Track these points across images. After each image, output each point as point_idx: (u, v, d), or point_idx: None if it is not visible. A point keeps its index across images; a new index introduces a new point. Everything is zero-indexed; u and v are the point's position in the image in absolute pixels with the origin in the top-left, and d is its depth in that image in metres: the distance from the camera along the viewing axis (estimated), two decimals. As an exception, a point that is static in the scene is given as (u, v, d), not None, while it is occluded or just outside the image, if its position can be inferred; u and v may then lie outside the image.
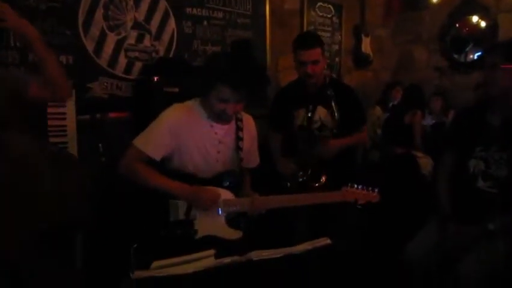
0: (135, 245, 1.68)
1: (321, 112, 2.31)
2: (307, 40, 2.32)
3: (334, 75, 4.32)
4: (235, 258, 1.15)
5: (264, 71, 1.90)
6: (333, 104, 2.22)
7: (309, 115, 2.25)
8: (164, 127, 1.75)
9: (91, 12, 2.63)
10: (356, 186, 1.86)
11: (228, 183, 1.81)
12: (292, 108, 2.38)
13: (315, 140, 2.24)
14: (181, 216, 1.74)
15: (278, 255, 1.16)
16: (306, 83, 2.30)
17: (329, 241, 1.25)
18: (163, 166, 1.80)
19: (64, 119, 2.33)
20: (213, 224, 1.75)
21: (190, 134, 1.77)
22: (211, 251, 1.22)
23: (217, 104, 1.71)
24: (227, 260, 1.14)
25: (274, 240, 1.40)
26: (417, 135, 3.89)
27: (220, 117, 1.77)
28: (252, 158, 2.02)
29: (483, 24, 4.45)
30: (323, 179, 2.21)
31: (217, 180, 1.81)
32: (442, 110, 4.23)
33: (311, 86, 2.30)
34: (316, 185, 2.19)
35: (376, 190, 1.86)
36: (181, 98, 1.95)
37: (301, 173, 2.24)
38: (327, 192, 1.88)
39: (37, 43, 1.52)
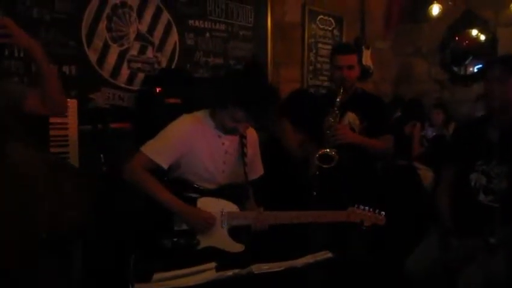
0: (134, 256, 1.69)
1: (350, 117, 2.37)
2: (345, 47, 2.58)
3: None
4: (236, 271, 1.15)
5: (277, 95, 1.93)
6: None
7: (336, 112, 2.26)
8: (174, 136, 1.78)
9: (94, 23, 2.66)
10: (362, 207, 1.86)
11: (232, 195, 1.83)
12: (324, 114, 2.40)
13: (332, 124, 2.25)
14: (185, 226, 1.75)
15: (279, 269, 1.16)
16: (337, 86, 2.37)
17: (330, 254, 1.25)
18: (169, 174, 1.82)
19: (66, 129, 2.34)
20: (215, 235, 1.76)
21: (199, 144, 1.80)
22: (212, 264, 1.22)
23: (230, 123, 1.75)
24: (228, 273, 1.14)
25: (276, 253, 1.40)
26: (415, 146, 3.93)
27: (229, 132, 1.82)
28: (256, 167, 2.04)
29: (482, 37, 4.49)
30: (333, 161, 2.18)
31: (222, 191, 1.83)
32: (443, 122, 4.25)
33: (343, 89, 2.33)
34: (325, 166, 2.19)
35: (383, 213, 1.86)
36: (183, 109, 1.97)
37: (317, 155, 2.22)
38: (332, 211, 1.88)
39: (41, 61, 1.52)
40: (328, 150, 2.19)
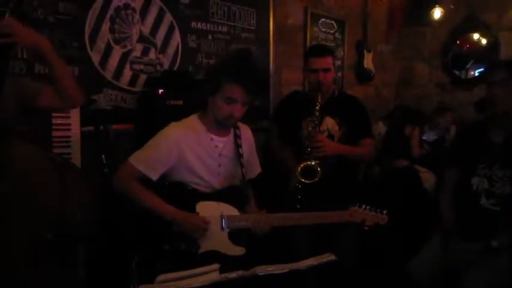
0: (136, 258, 1.69)
1: (329, 122, 2.32)
2: (320, 49, 2.43)
3: (344, 91, 4.35)
4: (241, 272, 1.15)
5: (265, 73, 1.92)
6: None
7: (316, 117, 2.21)
8: (163, 146, 1.74)
9: (97, 25, 2.65)
10: (364, 206, 1.85)
11: (232, 198, 1.81)
12: (300, 117, 2.36)
13: (312, 135, 2.19)
14: None
15: (283, 271, 1.16)
16: (314, 90, 2.29)
17: (333, 257, 1.25)
18: (167, 178, 1.80)
19: (69, 129, 2.34)
20: (216, 239, 1.74)
21: (190, 150, 1.77)
22: (216, 266, 1.22)
23: (224, 107, 1.71)
24: (232, 274, 1.14)
25: (276, 255, 1.40)
26: (415, 148, 3.95)
27: (224, 124, 1.78)
28: (253, 166, 2.02)
29: (484, 41, 4.50)
30: (316, 176, 2.12)
31: (221, 195, 1.81)
32: (445, 126, 4.27)
33: (320, 93, 2.27)
34: (307, 182, 2.13)
35: (385, 212, 1.85)
36: (184, 110, 1.96)
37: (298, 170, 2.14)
38: (333, 212, 1.87)
39: (49, 55, 1.51)
40: (311, 163, 2.12)
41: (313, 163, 2.12)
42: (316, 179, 2.12)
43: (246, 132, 1.96)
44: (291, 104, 2.57)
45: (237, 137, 1.89)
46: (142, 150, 1.76)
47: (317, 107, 2.20)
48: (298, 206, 2.15)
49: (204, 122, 1.81)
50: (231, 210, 1.80)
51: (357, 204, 1.86)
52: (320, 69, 2.25)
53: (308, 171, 2.14)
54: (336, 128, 2.32)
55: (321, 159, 2.14)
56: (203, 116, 1.82)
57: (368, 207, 1.85)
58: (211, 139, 1.82)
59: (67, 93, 1.57)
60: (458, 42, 4.69)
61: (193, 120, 1.84)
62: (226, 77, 1.68)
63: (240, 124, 1.93)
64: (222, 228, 1.77)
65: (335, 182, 2.23)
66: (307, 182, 2.12)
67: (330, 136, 2.32)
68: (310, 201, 2.13)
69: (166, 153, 1.74)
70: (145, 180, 1.74)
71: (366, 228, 1.83)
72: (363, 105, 2.48)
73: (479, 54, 4.56)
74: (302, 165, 2.14)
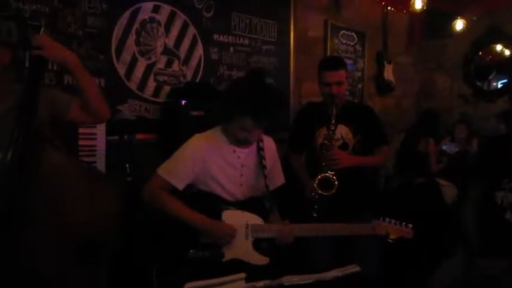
0: (156, 266, 1.71)
1: (342, 130, 2.33)
2: (333, 62, 2.42)
3: (356, 101, 4.34)
4: (267, 282, 1.16)
5: (281, 98, 1.92)
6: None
7: (331, 130, 2.22)
8: (188, 157, 1.79)
9: (123, 38, 2.74)
10: (388, 220, 1.84)
11: (257, 207, 1.83)
12: (314, 127, 2.39)
13: (328, 148, 2.20)
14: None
15: (309, 281, 1.17)
16: (328, 103, 2.30)
17: (357, 268, 1.26)
18: (194, 187, 1.84)
19: (94, 139, 2.42)
20: (240, 248, 1.76)
21: (214, 161, 1.80)
22: (242, 274, 1.24)
23: (239, 132, 1.75)
24: (259, 283, 1.16)
25: (299, 265, 1.41)
26: (433, 164, 3.83)
27: (242, 143, 1.82)
28: (276, 177, 2.02)
29: (507, 52, 4.46)
30: (333, 188, 2.12)
31: (245, 204, 1.83)
32: (466, 138, 4.20)
33: (334, 106, 2.28)
34: (325, 194, 2.13)
35: (410, 226, 1.84)
36: (206, 121, 2.00)
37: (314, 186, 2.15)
38: (357, 224, 1.87)
39: (78, 71, 1.55)
40: (328, 174, 2.13)
41: (330, 175, 2.14)
42: (334, 191, 2.12)
43: (269, 145, 1.98)
44: (306, 114, 2.59)
45: (260, 149, 1.91)
46: (168, 161, 1.81)
47: (333, 120, 2.21)
48: (315, 215, 2.15)
49: (226, 134, 1.85)
50: (256, 220, 1.82)
51: (381, 218, 1.85)
52: (333, 82, 2.26)
53: (325, 183, 2.15)
54: (350, 136, 2.33)
55: (337, 171, 2.15)
56: (226, 129, 1.85)
57: (392, 221, 1.83)
58: (234, 151, 1.85)
59: (93, 107, 1.60)
60: (480, 53, 4.65)
61: (216, 132, 1.88)
62: (238, 110, 1.70)
63: (263, 136, 1.95)
64: (247, 237, 1.79)
65: (351, 193, 2.22)
66: (325, 194, 2.13)
67: (345, 144, 2.32)
68: (327, 211, 2.13)
69: (191, 164, 1.78)
70: (173, 191, 1.78)
71: (390, 241, 1.82)
72: (375, 112, 2.49)
73: (502, 66, 4.51)
74: (319, 176, 2.15)
